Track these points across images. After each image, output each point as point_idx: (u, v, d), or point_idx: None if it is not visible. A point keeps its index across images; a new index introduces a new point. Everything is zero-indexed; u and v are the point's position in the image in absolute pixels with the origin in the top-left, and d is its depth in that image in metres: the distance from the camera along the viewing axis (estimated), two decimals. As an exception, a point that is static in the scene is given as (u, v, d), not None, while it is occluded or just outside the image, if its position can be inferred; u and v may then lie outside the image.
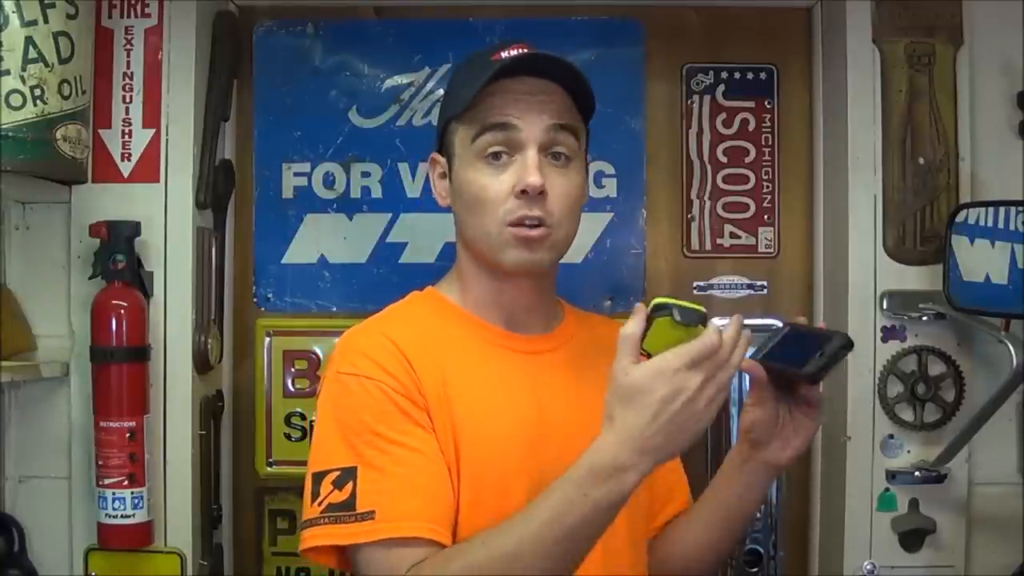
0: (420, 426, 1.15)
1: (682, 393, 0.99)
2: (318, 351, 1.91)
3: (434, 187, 1.30)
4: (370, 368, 1.17)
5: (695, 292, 1.91)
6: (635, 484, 1.02)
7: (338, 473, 1.13)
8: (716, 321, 1.06)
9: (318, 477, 1.15)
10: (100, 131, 1.70)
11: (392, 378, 1.16)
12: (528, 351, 1.25)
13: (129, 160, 1.72)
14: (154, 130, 1.72)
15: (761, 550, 1.84)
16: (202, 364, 1.75)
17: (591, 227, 1.89)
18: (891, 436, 1.71)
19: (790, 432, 1.17)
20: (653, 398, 0.99)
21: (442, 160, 1.28)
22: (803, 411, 1.16)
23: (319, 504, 1.13)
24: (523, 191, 1.16)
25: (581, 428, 1.21)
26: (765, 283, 1.92)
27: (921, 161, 1.72)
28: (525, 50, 1.21)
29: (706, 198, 1.92)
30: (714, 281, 1.92)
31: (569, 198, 1.20)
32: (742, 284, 1.92)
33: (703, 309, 1.04)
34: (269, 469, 1.91)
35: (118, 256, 1.63)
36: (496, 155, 1.19)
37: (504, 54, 1.20)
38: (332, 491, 1.13)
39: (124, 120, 1.72)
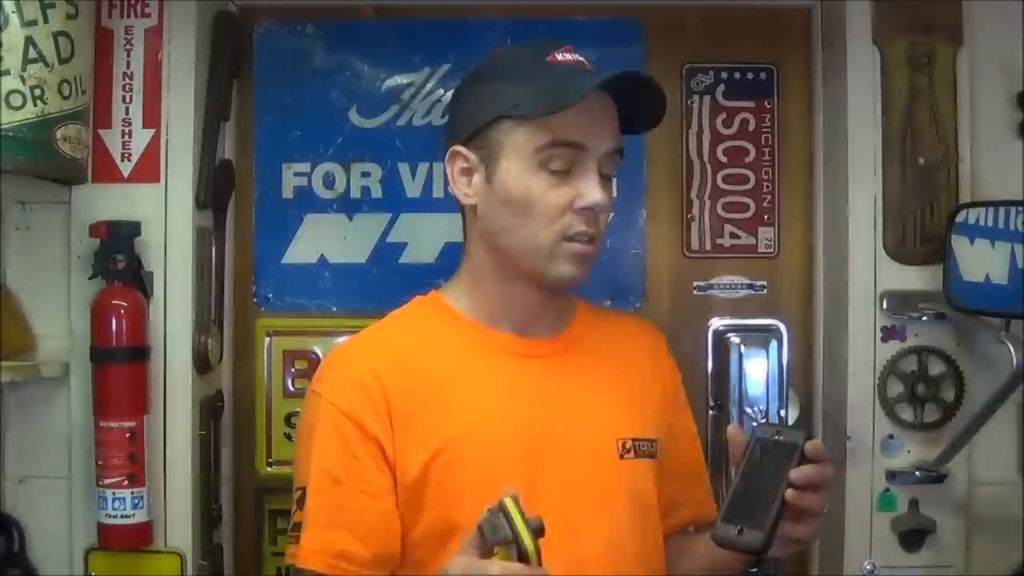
0: (354, 457, 1.15)
1: None
2: (318, 351, 1.90)
3: (454, 183, 1.23)
4: (332, 391, 1.18)
5: (695, 292, 1.91)
6: None
7: (300, 493, 1.18)
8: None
9: (295, 493, 1.19)
10: (100, 131, 1.70)
11: (348, 404, 1.16)
12: (533, 355, 1.24)
13: (129, 160, 1.72)
14: (154, 130, 1.72)
15: (761, 550, 1.84)
16: (202, 364, 1.75)
17: (591, 227, 1.89)
18: (891, 436, 1.71)
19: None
20: None
21: (471, 156, 1.20)
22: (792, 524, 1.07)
23: (291, 522, 1.19)
24: (587, 208, 1.16)
25: (582, 430, 1.21)
26: (765, 283, 1.92)
27: (921, 161, 1.72)
28: (579, 59, 1.20)
29: (706, 198, 1.92)
30: (714, 281, 1.92)
31: (610, 212, 1.23)
32: (742, 284, 1.92)
33: (517, 529, 0.93)
34: (269, 469, 1.91)
35: (118, 256, 1.63)
36: (557, 166, 1.17)
37: (560, 56, 1.19)
38: (296, 509, 1.18)
39: (124, 120, 1.72)
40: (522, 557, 0.92)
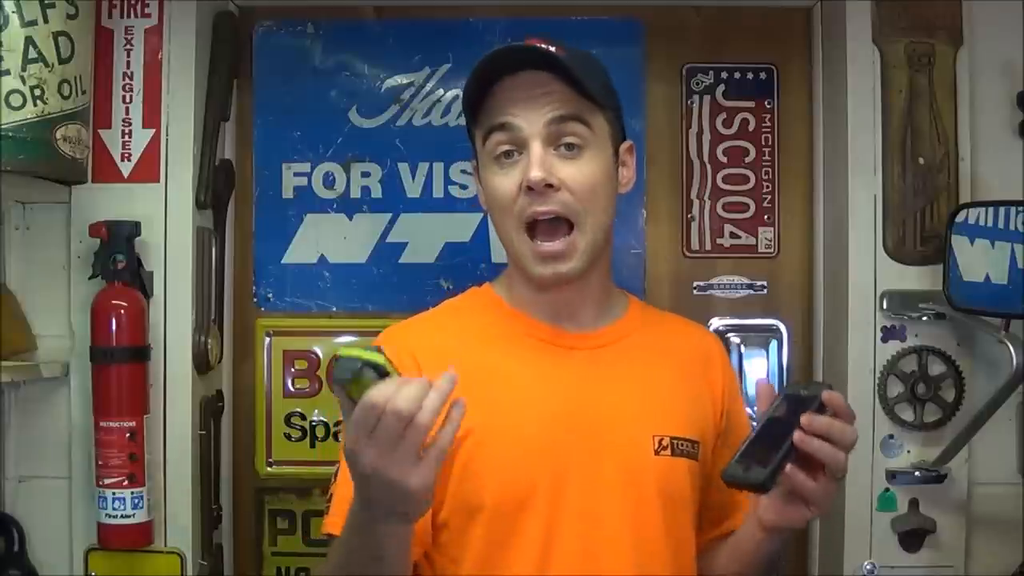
0: None
1: (352, 456, 0.93)
2: (318, 351, 1.90)
3: (478, 193, 1.29)
4: None
5: (695, 292, 1.91)
6: (384, 534, 1.00)
7: (337, 466, 1.20)
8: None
9: (336, 466, 1.21)
10: (100, 131, 1.70)
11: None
12: (573, 347, 1.24)
13: (129, 160, 1.72)
14: (154, 130, 1.72)
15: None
16: (202, 364, 1.75)
17: (591, 227, 1.89)
18: (891, 436, 1.71)
19: (787, 502, 1.07)
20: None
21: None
22: (801, 494, 1.06)
23: (328, 493, 1.21)
24: (528, 186, 1.15)
25: (616, 424, 1.20)
26: (765, 283, 1.92)
27: (921, 161, 1.72)
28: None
29: (706, 198, 1.92)
30: (714, 281, 1.92)
31: (585, 187, 1.17)
32: (742, 284, 1.92)
33: (367, 357, 0.92)
34: (269, 469, 1.91)
35: (118, 256, 1.63)
36: (508, 154, 1.18)
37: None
38: (333, 482, 1.20)
39: (124, 120, 1.72)
40: (383, 376, 0.92)
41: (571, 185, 1.17)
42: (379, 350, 0.94)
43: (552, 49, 1.17)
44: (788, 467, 1.02)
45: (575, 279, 1.21)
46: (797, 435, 1.00)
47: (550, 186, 1.15)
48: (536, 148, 1.16)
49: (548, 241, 1.17)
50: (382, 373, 0.92)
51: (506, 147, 1.18)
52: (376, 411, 0.90)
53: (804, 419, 1.01)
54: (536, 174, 1.14)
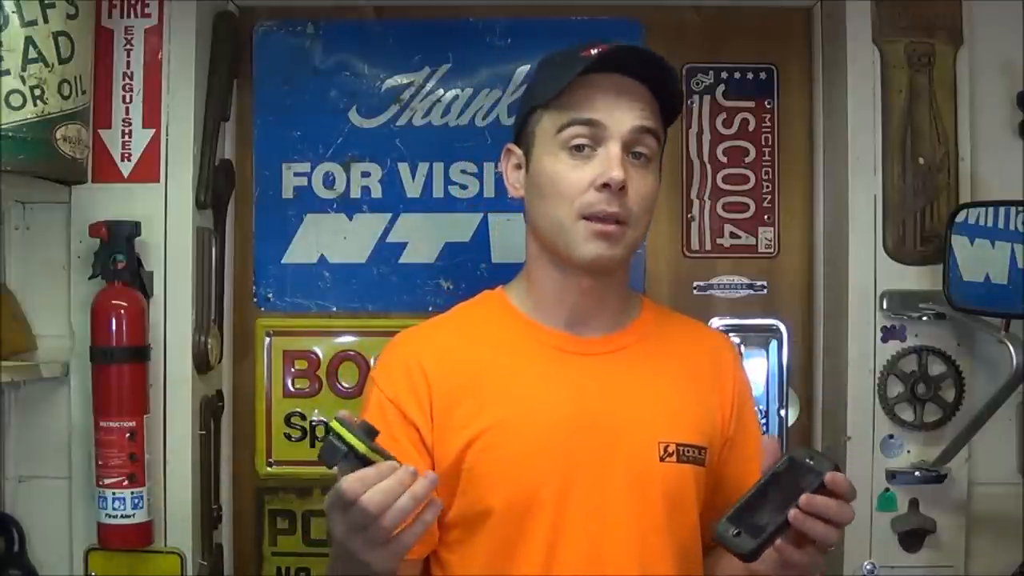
0: (395, 440, 1.19)
1: (328, 516, 1.01)
2: (318, 351, 1.91)
3: (506, 178, 1.29)
4: (381, 377, 1.24)
5: (695, 292, 1.91)
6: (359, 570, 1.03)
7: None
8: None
9: None
10: (100, 131, 1.70)
11: (393, 390, 1.21)
12: (583, 353, 1.24)
13: (129, 160, 1.72)
14: (154, 130, 1.72)
15: (761, 550, 1.84)
16: (202, 364, 1.75)
17: (591, 227, 1.89)
18: (891, 436, 1.71)
19: (775, 562, 1.05)
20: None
21: (518, 151, 1.27)
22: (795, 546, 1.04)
23: None
24: (605, 184, 1.16)
25: (622, 430, 1.20)
26: (765, 283, 1.92)
27: (921, 161, 1.72)
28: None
29: (706, 198, 1.92)
30: (714, 281, 1.92)
31: (646, 198, 1.20)
32: (742, 284, 1.92)
33: (352, 443, 0.97)
34: (269, 469, 1.91)
35: (118, 256, 1.63)
36: (579, 147, 1.19)
37: (595, 51, 1.19)
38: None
39: (124, 120, 1.72)
40: (366, 463, 0.97)
41: (636, 192, 1.18)
42: (369, 429, 0.98)
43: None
44: (778, 542, 1.02)
45: (609, 271, 1.22)
46: (793, 513, 1.00)
47: (622, 189, 1.17)
48: (617, 149, 1.17)
49: (604, 224, 1.18)
50: (364, 461, 0.97)
51: (582, 141, 1.18)
52: (347, 500, 0.96)
53: (803, 500, 1.01)
54: (619, 175, 1.16)
